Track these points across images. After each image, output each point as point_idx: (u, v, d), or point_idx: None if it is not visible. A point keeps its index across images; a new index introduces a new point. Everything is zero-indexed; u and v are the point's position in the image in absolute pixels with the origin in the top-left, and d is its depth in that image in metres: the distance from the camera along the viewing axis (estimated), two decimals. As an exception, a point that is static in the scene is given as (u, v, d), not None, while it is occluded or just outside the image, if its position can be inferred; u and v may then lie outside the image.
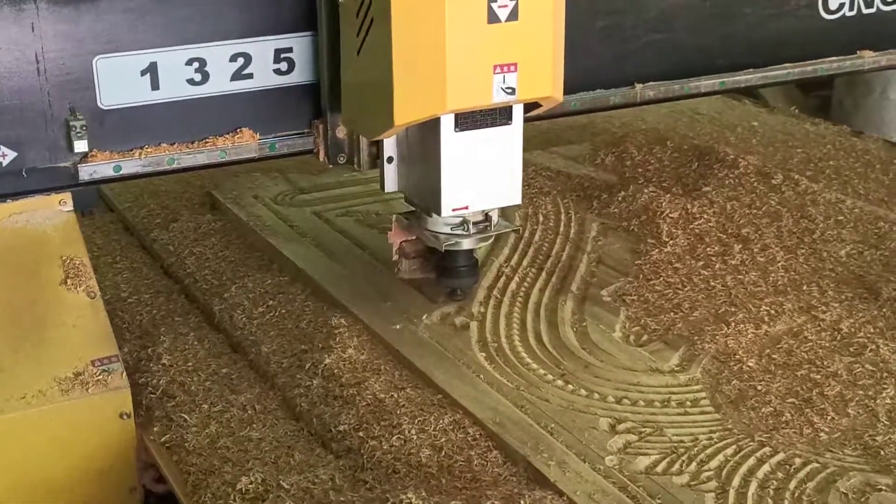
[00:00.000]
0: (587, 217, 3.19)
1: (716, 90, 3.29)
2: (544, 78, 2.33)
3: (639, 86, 3.09)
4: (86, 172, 2.49)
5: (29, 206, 2.53)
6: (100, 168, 2.50)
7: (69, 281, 2.50)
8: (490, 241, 2.69)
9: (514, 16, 2.24)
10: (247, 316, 2.73)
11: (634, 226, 3.09)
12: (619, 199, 3.25)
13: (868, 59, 3.35)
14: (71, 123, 2.43)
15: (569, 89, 2.70)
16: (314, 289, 2.81)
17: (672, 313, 2.61)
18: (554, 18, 2.30)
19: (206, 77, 2.53)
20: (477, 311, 2.64)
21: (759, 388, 2.30)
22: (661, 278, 2.78)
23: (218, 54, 2.53)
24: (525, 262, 2.91)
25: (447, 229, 2.51)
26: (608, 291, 2.74)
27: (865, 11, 3.30)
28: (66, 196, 2.54)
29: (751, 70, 3.26)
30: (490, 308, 2.66)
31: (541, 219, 3.18)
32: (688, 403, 2.26)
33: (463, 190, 2.40)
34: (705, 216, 3.10)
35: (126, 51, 2.46)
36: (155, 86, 2.50)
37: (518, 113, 2.40)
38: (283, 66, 2.61)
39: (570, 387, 2.32)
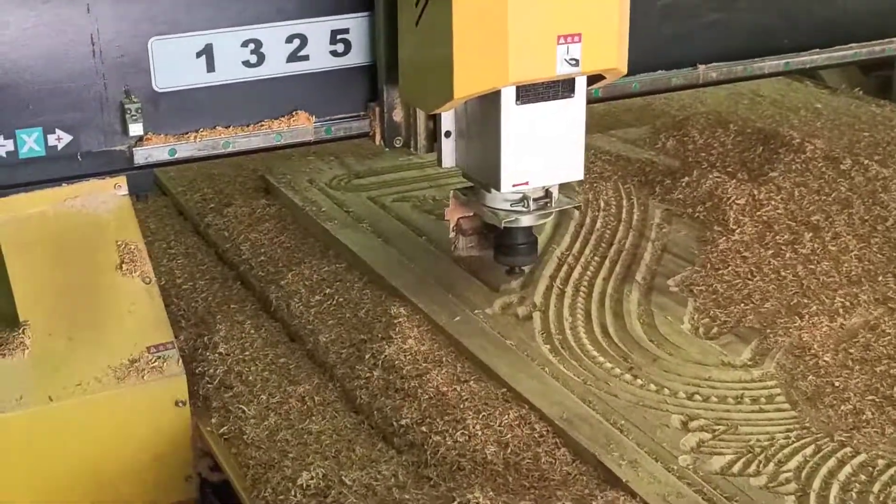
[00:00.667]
0: (650, 203, 3.11)
1: (780, 71, 3.24)
2: (609, 49, 2.28)
3: (701, 67, 3.05)
4: (141, 156, 2.47)
5: (84, 191, 2.51)
6: (155, 151, 2.47)
7: (124, 266, 2.48)
8: (550, 217, 2.61)
9: (577, -16, 2.17)
10: (304, 304, 2.68)
11: (699, 213, 3.00)
12: (683, 184, 3.15)
13: (937, 37, 3.27)
14: (126, 106, 2.41)
15: (630, 70, 2.65)
16: (372, 277, 2.75)
17: (742, 304, 2.53)
18: (620, -13, 2.24)
19: (261, 59, 2.50)
20: (540, 302, 2.57)
21: (837, 384, 2.22)
22: (730, 268, 2.69)
23: (274, 35, 2.49)
24: (587, 251, 2.83)
25: (506, 205, 2.44)
26: (675, 281, 2.65)
27: (937, -12, 3.22)
28: (121, 180, 2.52)
29: (816, 50, 3.20)
30: (553, 298, 2.59)
31: (602, 205, 3.10)
32: (762, 400, 2.18)
33: (523, 165, 2.34)
34: (773, 203, 3.00)
35: (181, 32, 2.43)
36: (210, 68, 2.46)
37: (581, 85, 2.33)
38: (340, 47, 2.57)
39: (639, 381, 2.25)
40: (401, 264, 2.77)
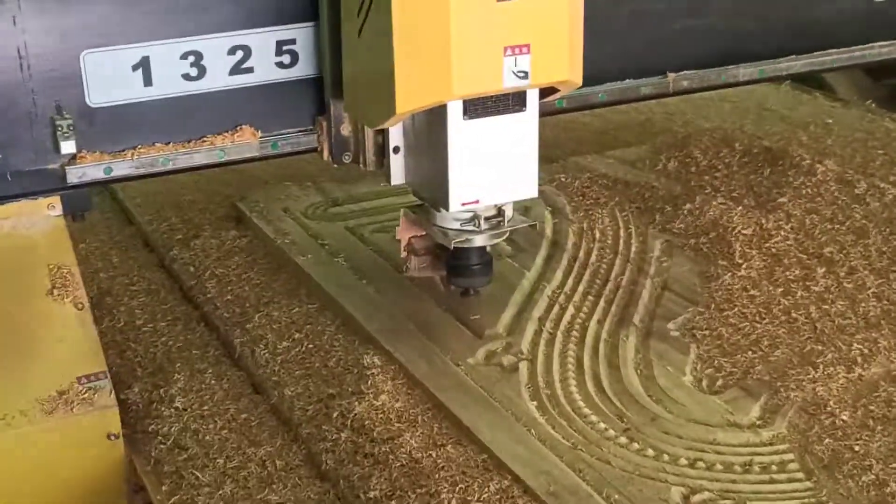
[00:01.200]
0: (649, 233, 2.87)
1: (755, 79, 3.02)
2: (560, 60, 2.15)
3: (671, 75, 2.86)
4: (74, 175, 2.31)
5: (14, 212, 2.37)
6: (89, 170, 2.32)
7: (55, 291, 2.35)
8: (504, 237, 2.42)
9: (524, -8, 2.05)
10: (270, 351, 2.45)
11: (703, 244, 2.77)
12: (685, 212, 2.92)
13: (924, 43, 3.09)
14: (57, 123, 2.26)
15: (596, 79, 2.64)
16: (345, 319, 2.52)
17: (750, 352, 2.30)
18: (569, -6, 2.11)
19: (202, 71, 2.36)
20: (528, 349, 2.34)
21: (857, 448, 1.98)
22: (736, 308, 2.46)
23: (215, 47, 2.35)
24: (581, 288, 2.60)
25: (457, 225, 2.32)
26: (676, 324, 2.42)
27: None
28: (55, 200, 2.38)
29: (793, 56, 3.01)
30: (542, 344, 2.36)
31: (597, 235, 2.87)
32: (773, 468, 1.94)
33: (473, 183, 2.21)
34: (782, 233, 2.77)
35: (115, 45, 2.28)
36: (148, 81, 2.32)
37: (533, 99, 2.20)
38: (286, 58, 2.42)
39: (636, 445, 2.01)
40: (377, 305, 2.54)
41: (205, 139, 2.40)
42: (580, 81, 2.22)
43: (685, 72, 2.88)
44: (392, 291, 2.60)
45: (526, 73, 2.11)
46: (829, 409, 2.09)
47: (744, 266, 2.62)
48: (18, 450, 2.16)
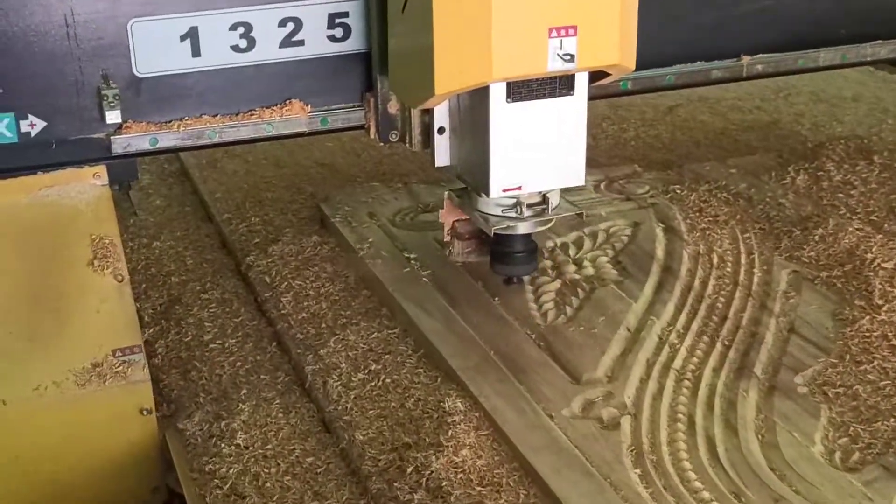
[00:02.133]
0: (775, 261, 2.55)
1: (836, 64, 2.90)
2: (610, 42, 2.05)
3: (746, 58, 2.78)
4: (119, 145, 2.30)
5: (60, 179, 2.35)
6: (134, 140, 2.31)
7: (97, 262, 2.31)
8: (550, 225, 2.31)
9: (573, -28, 1.97)
10: (343, 384, 2.21)
11: (836, 278, 2.44)
12: (816, 238, 2.59)
13: None
14: (103, 92, 2.24)
15: (665, 61, 2.65)
16: (428, 349, 2.27)
17: (893, 419, 1.97)
18: (621, -26, 2.01)
19: (252, 43, 2.32)
20: (631, 401, 2.05)
21: None
22: (875, 362, 2.13)
23: (265, 18, 2.31)
24: (695, 326, 2.30)
25: (498, 211, 2.24)
26: (804, 378, 2.11)
27: None
28: (101, 169, 2.35)
29: (878, 42, 2.89)
30: (648, 396, 2.07)
31: (715, 261, 2.55)
32: (921, 575, 1.64)
33: (515, 168, 2.15)
34: (930, 268, 2.43)
35: (164, 14, 2.26)
36: (196, 52, 2.29)
37: (582, 82, 2.11)
38: (339, 31, 2.37)
39: (755, 533, 1.72)
40: (463, 336, 2.27)
41: (253, 112, 2.37)
42: (633, 66, 2.13)
43: (760, 55, 2.79)
44: (481, 319, 2.34)
45: (572, 55, 2.02)
46: None
47: (884, 308, 2.29)
48: (50, 421, 2.14)
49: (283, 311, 2.52)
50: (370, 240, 2.69)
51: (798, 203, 2.82)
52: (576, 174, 2.19)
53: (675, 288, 2.44)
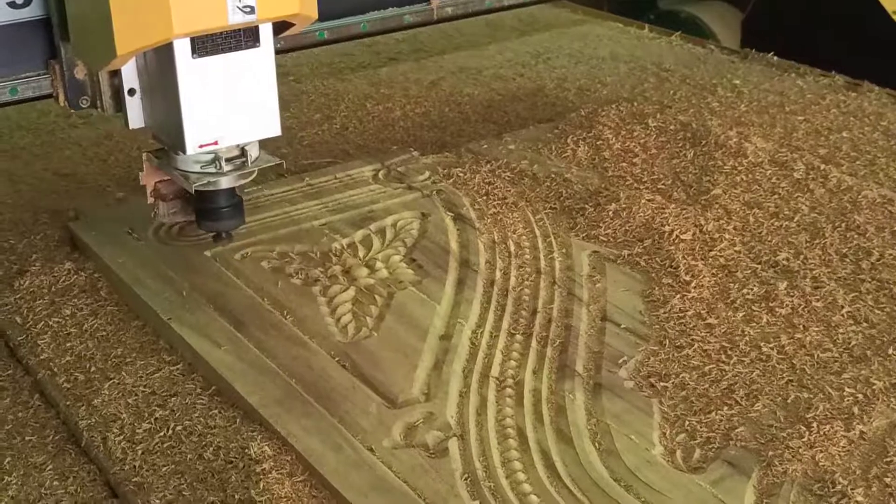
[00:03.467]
0: (573, 242, 2.44)
1: (520, 2, 3.22)
2: None
3: (436, 1, 2.93)
4: None
5: None
6: None
7: None
8: (251, 177, 2.31)
9: (247, -79, 2.00)
10: (127, 438, 1.93)
11: (639, 255, 2.36)
12: (611, 213, 2.50)
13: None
14: None
15: (359, 8, 2.78)
16: (221, 387, 2.02)
17: (725, 406, 1.89)
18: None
19: None
20: (455, 419, 1.88)
21: (885, 542, 1.61)
22: (696, 345, 2.05)
23: None
24: (505, 324, 2.15)
25: (198, 168, 2.25)
26: (628, 371, 2.00)
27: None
28: None
29: None
30: (472, 411, 1.90)
31: (513, 248, 2.42)
32: (790, 582, 1.55)
33: (209, 124, 2.16)
34: (727, 236, 2.39)
35: None
36: None
37: (267, 34, 2.15)
38: None
39: (613, 557, 1.59)
40: (259, 367, 2.04)
41: None
42: (315, 15, 2.20)
43: None
44: (274, 343, 2.10)
45: (252, 7, 2.06)
46: (838, 486, 1.70)
47: (693, 285, 2.22)
48: None
49: (42, 357, 2.19)
50: (134, 259, 2.40)
51: (584, 177, 2.72)
52: (271, 125, 2.22)
53: (476, 283, 2.29)
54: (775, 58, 3.75)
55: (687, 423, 1.86)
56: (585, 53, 3.89)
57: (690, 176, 2.70)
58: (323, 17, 2.64)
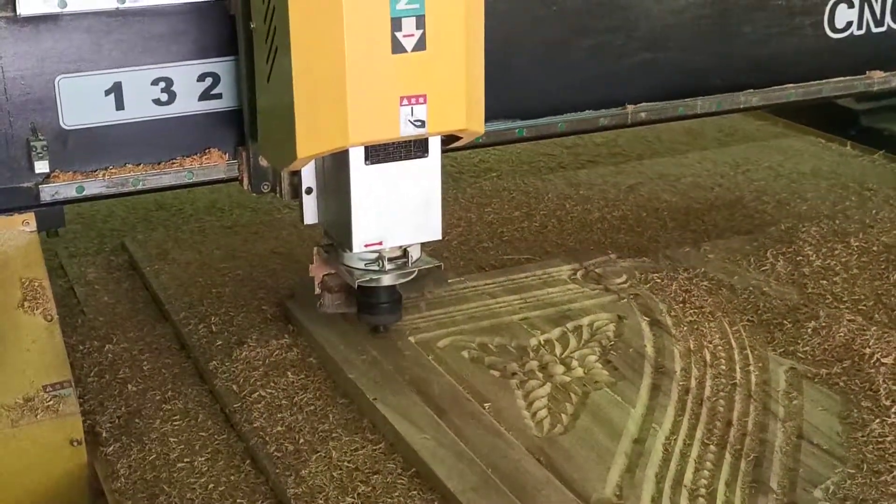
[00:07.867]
0: (769, 357, 2.46)
1: (713, 111, 3.14)
2: (457, 109, 2.24)
3: (630, 107, 3.00)
4: (47, 193, 2.46)
5: None
6: (62, 188, 2.47)
7: (27, 303, 2.44)
8: (411, 277, 2.45)
9: (421, 46, 2.16)
10: (332, 511, 2.05)
11: (837, 375, 2.35)
12: (809, 330, 2.51)
13: (877, 78, 3.29)
14: (32, 143, 2.40)
15: (556, 109, 2.90)
16: (421, 469, 2.11)
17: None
18: (466, 47, 2.20)
19: (172, 97, 2.50)
20: (647, 525, 1.92)
21: None
22: (895, 472, 2.04)
23: (184, 73, 2.50)
24: (699, 434, 2.18)
25: (362, 265, 2.41)
26: (823, 491, 2.00)
27: (875, 30, 3.25)
28: (30, 216, 2.50)
29: (750, 91, 3.14)
30: (665, 519, 1.94)
31: (708, 358, 2.45)
32: None
33: (375, 225, 2.32)
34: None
35: (89, 70, 2.43)
36: (120, 105, 2.47)
37: (435, 145, 2.30)
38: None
39: None
40: (457, 452, 2.12)
41: (174, 161, 2.54)
42: (482, 129, 2.31)
43: (643, 104, 3.00)
44: (473, 431, 2.19)
45: (423, 121, 2.18)
46: None
47: (893, 410, 2.21)
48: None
49: (255, 425, 2.34)
50: (345, 338, 2.54)
51: (782, 291, 2.73)
52: (433, 230, 2.36)
53: (671, 390, 2.33)
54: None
55: (883, 551, 1.85)
56: (786, 167, 3.90)
57: (893, 299, 2.68)
58: (523, 115, 2.87)
